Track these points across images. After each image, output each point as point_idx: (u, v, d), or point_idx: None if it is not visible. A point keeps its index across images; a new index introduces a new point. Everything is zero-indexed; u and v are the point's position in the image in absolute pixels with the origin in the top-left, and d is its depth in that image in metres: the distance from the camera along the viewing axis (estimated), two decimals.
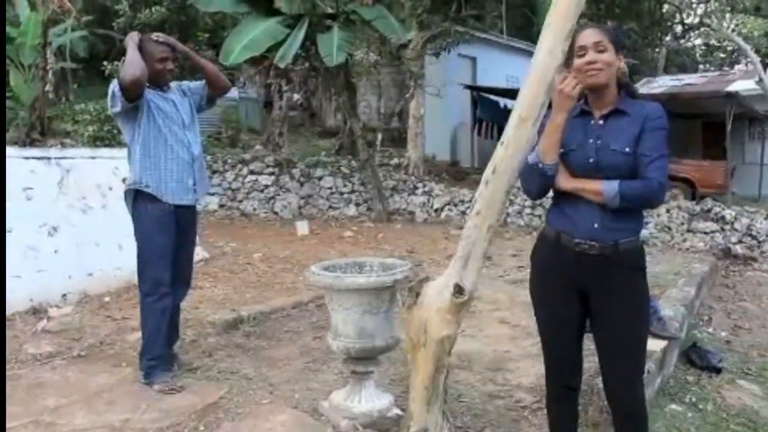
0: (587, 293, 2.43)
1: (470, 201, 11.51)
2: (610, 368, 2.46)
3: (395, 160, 13.83)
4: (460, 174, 14.18)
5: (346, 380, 3.33)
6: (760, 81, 12.38)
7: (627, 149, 2.33)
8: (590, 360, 4.25)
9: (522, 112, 2.52)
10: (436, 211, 11.65)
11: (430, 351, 2.63)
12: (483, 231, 2.58)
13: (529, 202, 10.82)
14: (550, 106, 2.52)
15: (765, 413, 3.72)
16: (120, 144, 11.90)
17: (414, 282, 2.72)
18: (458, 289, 2.56)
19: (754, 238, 9.25)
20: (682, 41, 19.89)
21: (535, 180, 2.44)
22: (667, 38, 17.12)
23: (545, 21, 2.54)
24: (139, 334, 4.49)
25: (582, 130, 2.41)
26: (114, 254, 5.63)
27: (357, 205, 11.83)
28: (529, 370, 4.01)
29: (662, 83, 15.72)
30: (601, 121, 2.41)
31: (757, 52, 13.84)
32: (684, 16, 15.37)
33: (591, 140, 2.39)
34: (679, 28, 16.28)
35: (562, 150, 2.39)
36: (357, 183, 11.86)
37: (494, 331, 4.91)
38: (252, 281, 6.35)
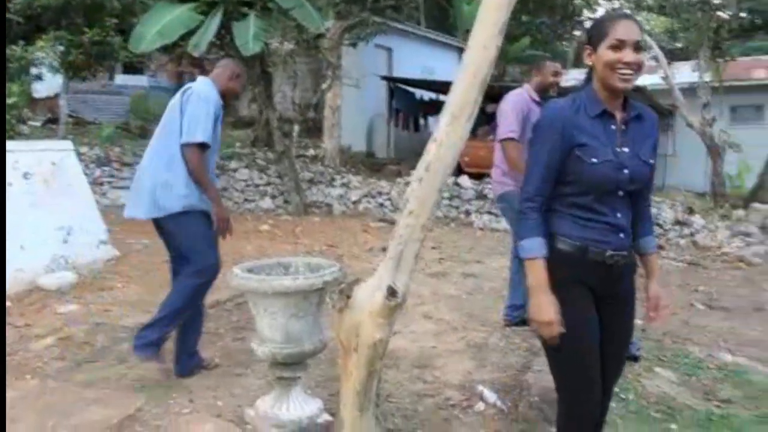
0: (599, 302, 2.28)
1: (387, 193, 11.53)
2: (608, 374, 2.34)
3: (311, 151, 13.65)
4: (376, 165, 14.15)
5: (271, 385, 3.19)
6: (666, 77, 12.95)
7: (651, 160, 2.24)
8: (518, 355, 4.30)
9: (454, 110, 2.44)
10: (354, 203, 11.56)
11: (363, 356, 2.53)
12: (416, 231, 2.50)
13: (446, 194, 10.88)
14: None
15: (681, 399, 3.83)
16: (18, 135, 11.23)
17: (344, 284, 2.61)
18: (391, 292, 2.47)
19: (660, 226, 9.63)
20: None
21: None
22: (578, 33, 17.66)
23: (478, 14, 2.47)
24: (45, 342, 4.21)
25: (606, 135, 2.19)
26: (15, 255, 5.24)
27: (273, 197, 11.58)
28: (457, 366, 3.99)
29: (572, 76, 16.11)
30: (623, 126, 2.22)
31: (660, 48, 14.46)
32: (593, 11, 15.90)
33: (618, 149, 2.18)
34: (588, 23, 16.82)
35: (594, 160, 2.15)
36: (273, 175, 11.61)
37: (419, 327, 4.87)
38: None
